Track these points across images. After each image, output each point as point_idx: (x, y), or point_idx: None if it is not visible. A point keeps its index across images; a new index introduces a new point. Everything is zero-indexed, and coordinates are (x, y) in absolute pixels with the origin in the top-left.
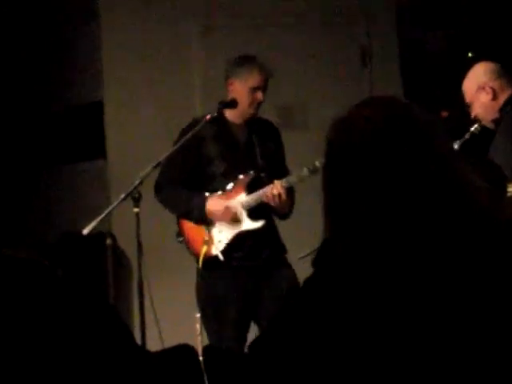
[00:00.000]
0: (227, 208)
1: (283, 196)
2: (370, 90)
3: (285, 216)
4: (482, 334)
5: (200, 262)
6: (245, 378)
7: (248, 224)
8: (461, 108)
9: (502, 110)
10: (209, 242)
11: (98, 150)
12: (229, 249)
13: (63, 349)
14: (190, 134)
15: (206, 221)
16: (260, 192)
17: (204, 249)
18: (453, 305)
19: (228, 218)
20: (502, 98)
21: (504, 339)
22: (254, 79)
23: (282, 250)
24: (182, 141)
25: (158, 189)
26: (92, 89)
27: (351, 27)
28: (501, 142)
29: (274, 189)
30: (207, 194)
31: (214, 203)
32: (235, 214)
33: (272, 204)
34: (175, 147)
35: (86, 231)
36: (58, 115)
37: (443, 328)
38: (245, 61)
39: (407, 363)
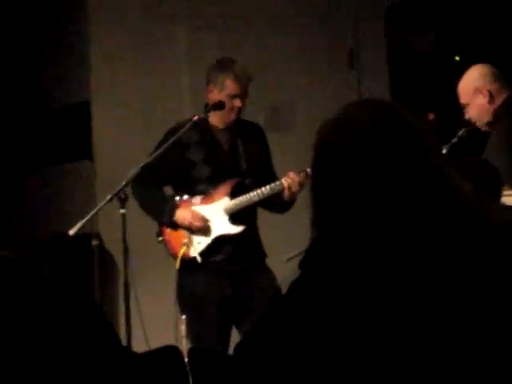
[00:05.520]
0: (195, 218)
1: (301, 186)
2: (357, 92)
3: (287, 208)
4: (473, 335)
5: (177, 263)
6: (230, 380)
7: (229, 228)
8: (447, 111)
9: (497, 112)
10: (188, 243)
11: (85, 150)
12: (208, 251)
13: (48, 348)
14: (176, 136)
15: (176, 227)
16: (257, 191)
17: (183, 250)
18: (442, 307)
19: (196, 227)
20: (498, 101)
21: (492, 338)
22: (230, 88)
23: (262, 254)
24: (168, 143)
25: (134, 185)
26: (79, 89)
27: (339, 28)
28: (496, 144)
29: (297, 177)
30: (186, 197)
31: (182, 214)
32: (204, 224)
33: (289, 191)
34: (160, 150)
35: (72, 232)
36: (44, 115)
37: (432, 330)
38: (222, 67)
39: (395, 367)
